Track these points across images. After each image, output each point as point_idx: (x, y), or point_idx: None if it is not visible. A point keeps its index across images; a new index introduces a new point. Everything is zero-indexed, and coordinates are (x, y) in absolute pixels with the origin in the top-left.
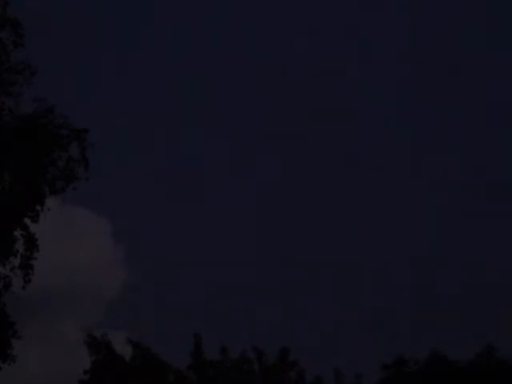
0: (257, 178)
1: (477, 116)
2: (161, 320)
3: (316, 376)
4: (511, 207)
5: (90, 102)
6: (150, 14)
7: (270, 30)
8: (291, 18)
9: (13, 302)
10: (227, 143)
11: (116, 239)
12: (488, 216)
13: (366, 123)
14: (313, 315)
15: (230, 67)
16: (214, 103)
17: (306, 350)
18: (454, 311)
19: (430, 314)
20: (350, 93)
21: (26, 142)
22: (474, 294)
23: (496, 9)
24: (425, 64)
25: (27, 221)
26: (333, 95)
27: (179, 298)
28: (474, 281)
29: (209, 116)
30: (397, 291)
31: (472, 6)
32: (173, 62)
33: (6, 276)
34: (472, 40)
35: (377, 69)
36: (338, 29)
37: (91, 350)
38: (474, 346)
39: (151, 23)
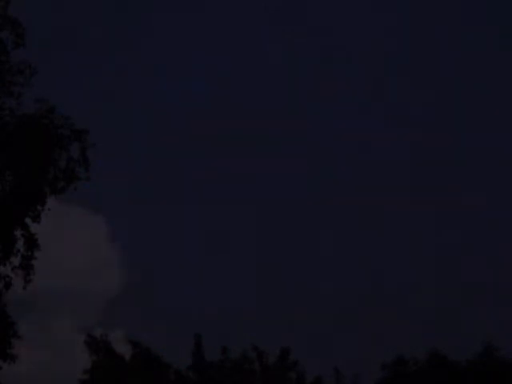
0: (256, 178)
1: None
2: (161, 320)
3: (316, 376)
4: None
5: (89, 102)
6: (150, 14)
7: (270, 31)
8: (291, 18)
9: (13, 302)
10: (227, 143)
11: (115, 239)
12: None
13: (365, 123)
14: (313, 315)
15: (229, 68)
16: (214, 103)
17: (306, 350)
18: (454, 311)
19: (429, 314)
20: (350, 93)
21: (27, 142)
22: (475, 294)
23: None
24: (424, 63)
25: (28, 221)
26: (332, 95)
27: (179, 298)
28: (474, 281)
29: (208, 116)
30: (397, 291)
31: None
32: (173, 63)
33: (6, 276)
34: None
35: (377, 69)
36: (338, 29)
37: (91, 349)
38: (474, 346)
39: (151, 23)
